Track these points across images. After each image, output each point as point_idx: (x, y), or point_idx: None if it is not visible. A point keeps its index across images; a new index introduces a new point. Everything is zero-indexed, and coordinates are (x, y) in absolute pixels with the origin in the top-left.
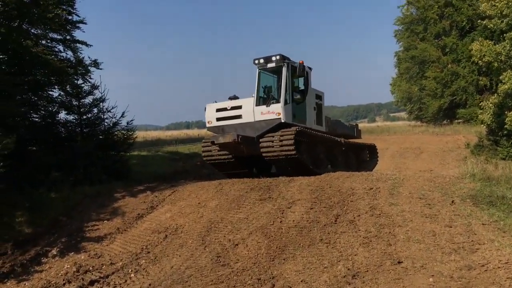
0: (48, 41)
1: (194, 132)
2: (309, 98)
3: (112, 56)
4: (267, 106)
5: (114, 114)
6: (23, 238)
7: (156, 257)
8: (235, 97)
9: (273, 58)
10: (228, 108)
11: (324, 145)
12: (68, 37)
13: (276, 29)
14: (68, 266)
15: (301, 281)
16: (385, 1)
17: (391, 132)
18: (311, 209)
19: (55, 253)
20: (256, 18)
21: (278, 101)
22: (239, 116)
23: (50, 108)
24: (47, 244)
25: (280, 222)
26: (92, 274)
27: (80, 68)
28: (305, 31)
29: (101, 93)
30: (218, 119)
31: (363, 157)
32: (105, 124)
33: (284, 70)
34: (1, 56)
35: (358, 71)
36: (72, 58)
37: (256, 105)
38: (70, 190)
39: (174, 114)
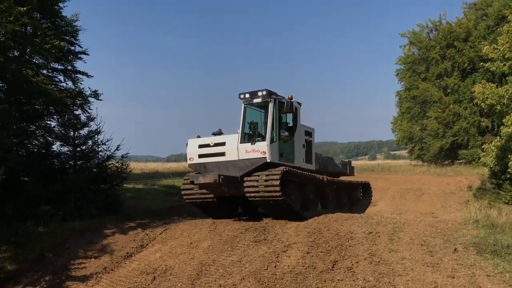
0: (49, 70)
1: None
2: (298, 135)
3: (112, 86)
4: (252, 144)
5: (109, 147)
6: (5, 275)
7: None
8: (219, 133)
9: (259, 93)
10: (211, 145)
11: (314, 185)
12: (69, 67)
13: (278, 66)
14: None
15: None
16: (386, 40)
17: (392, 171)
18: (307, 253)
19: None
20: (258, 55)
21: (263, 139)
22: (222, 154)
23: (47, 138)
24: (29, 282)
25: (275, 267)
26: None
27: (80, 98)
28: (308, 68)
29: (97, 125)
30: (201, 156)
31: (356, 195)
32: (99, 156)
33: (270, 106)
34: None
35: (360, 108)
36: (71, 88)
37: (241, 142)
38: (59, 225)
39: (175, 146)
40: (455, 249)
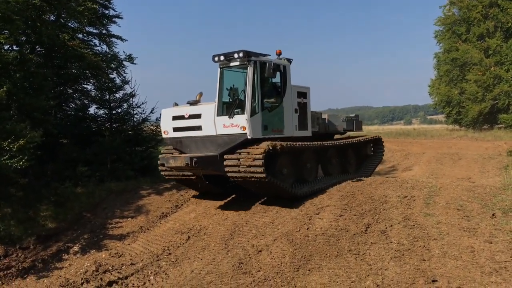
0: (84, 35)
1: None
2: (288, 100)
3: (148, 51)
4: (229, 117)
5: (143, 110)
6: (46, 233)
7: (177, 259)
8: (196, 101)
9: (236, 56)
10: (186, 117)
11: (310, 153)
12: (103, 31)
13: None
14: (88, 264)
15: None
16: (425, 1)
17: (428, 136)
18: (340, 216)
19: (76, 249)
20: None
21: (243, 111)
22: (198, 128)
23: (83, 102)
24: (69, 240)
25: (307, 229)
26: (111, 274)
27: (115, 62)
28: (345, 32)
29: (132, 89)
30: (175, 129)
31: (365, 152)
32: (134, 119)
33: (250, 71)
34: (38, 50)
35: (396, 71)
36: (106, 52)
37: (218, 115)
38: (96, 186)
39: None
40: (493, 214)
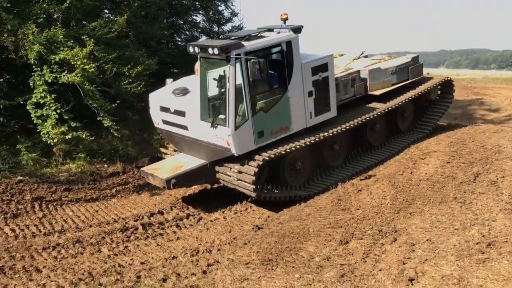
0: None
1: None
2: (296, 84)
3: None
4: (212, 127)
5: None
6: (159, 155)
7: None
8: (182, 90)
9: (210, 50)
10: (172, 111)
11: (340, 136)
12: None
13: None
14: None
15: (427, 240)
16: None
17: None
18: (447, 163)
19: None
20: None
21: (225, 123)
22: (185, 127)
23: (193, 33)
24: None
25: (411, 173)
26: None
27: None
28: None
29: (240, 21)
30: (165, 122)
31: (429, 98)
32: None
33: (230, 70)
34: None
35: None
36: None
37: (202, 118)
38: None
39: None
40: None
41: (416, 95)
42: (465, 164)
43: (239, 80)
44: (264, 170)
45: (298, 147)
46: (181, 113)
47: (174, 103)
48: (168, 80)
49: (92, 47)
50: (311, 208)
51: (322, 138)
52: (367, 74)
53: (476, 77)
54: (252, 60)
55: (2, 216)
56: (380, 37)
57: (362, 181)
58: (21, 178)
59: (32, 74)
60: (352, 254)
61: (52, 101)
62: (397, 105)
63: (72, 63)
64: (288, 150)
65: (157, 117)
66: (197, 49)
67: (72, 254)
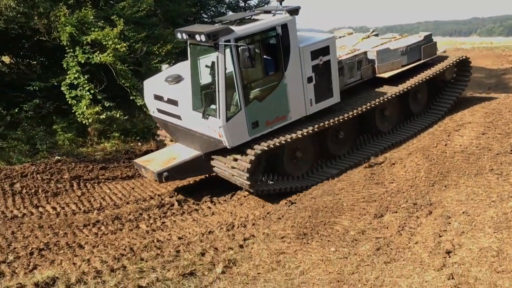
0: None
1: None
2: (294, 70)
3: None
4: (204, 118)
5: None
6: None
7: None
8: (175, 78)
9: (197, 37)
10: (165, 100)
11: (345, 123)
12: None
13: None
14: None
15: (463, 213)
16: None
17: None
18: (482, 134)
19: None
20: None
21: (216, 114)
22: (178, 117)
23: (218, 9)
24: None
25: (445, 145)
26: None
27: None
28: None
29: None
30: (159, 111)
31: (444, 78)
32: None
33: (219, 58)
34: None
35: None
36: None
37: (194, 109)
38: None
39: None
40: None
41: (427, 77)
42: (501, 135)
43: (230, 68)
44: (261, 161)
45: (296, 137)
46: (174, 102)
47: (167, 92)
48: (164, 66)
49: (122, 27)
50: (344, 182)
51: (323, 126)
52: (375, 55)
53: (511, 45)
54: (241, 47)
55: (43, 194)
56: (408, 5)
57: (395, 155)
58: (59, 157)
59: (65, 55)
60: (387, 228)
61: (86, 81)
62: (406, 88)
63: (104, 43)
64: (284, 142)
65: (151, 106)
66: (185, 36)
67: (111, 230)
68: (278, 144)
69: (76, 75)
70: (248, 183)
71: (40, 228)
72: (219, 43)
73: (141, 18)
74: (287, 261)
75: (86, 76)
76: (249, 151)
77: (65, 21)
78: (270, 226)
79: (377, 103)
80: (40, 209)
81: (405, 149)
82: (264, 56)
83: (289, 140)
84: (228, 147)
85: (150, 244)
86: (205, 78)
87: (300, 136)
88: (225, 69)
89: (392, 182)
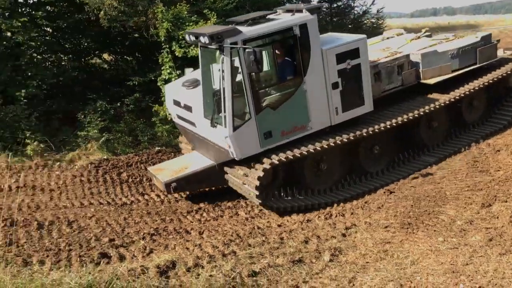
0: None
1: (442, 20)
2: (316, 74)
3: None
4: (212, 126)
5: (364, 2)
6: None
7: None
8: (194, 82)
9: (202, 38)
10: (182, 106)
11: (380, 136)
12: None
13: None
14: None
15: None
16: None
17: None
18: None
19: None
20: None
21: (223, 123)
22: (193, 124)
23: None
24: None
25: None
26: None
27: None
28: None
29: None
30: (179, 117)
31: (508, 85)
32: (355, 12)
33: (225, 62)
34: None
35: None
36: None
37: (205, 116)
38: None
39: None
40: None
41: (483, 85)
42: None
43: (236, 73)
44: (278, 174)
45: (315, 150)
46: (189, 108)
47: (184, 97)
48: (188, 70)
49: (215, 20)
50: (445, 171)
51: (350, 138)
52: (420, 59)
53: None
54: (246, 50)
55: (148, 183)
56: None
57: (500, 141)
58: (159, 148)
59: (161, 51)
60: (498, 218)
61: (177, 77)
62: (456, 98)
63: None
64: (298, 155)
65: (172, 111)
66: (192, 37)
67: (213, 217)
68: (292, 158)
69: (168, 71)
70: (258, 194)
71: (148, 215)
72: (224, 45)
73: (230, 10)
74: (394, 250)
75: (178, 72)
76: (257, 166)
77: (162, 18)
78: (370, 215)
79: (421, 113)
80: (146, 196)
81: (510, 134)
82: (279, 60)
83: (305, 152)
84: (236, 158)
85: (255, 231)
86: (216, 83)
87: (320, 149)
88: (232, 73)
89: (498, 170)
